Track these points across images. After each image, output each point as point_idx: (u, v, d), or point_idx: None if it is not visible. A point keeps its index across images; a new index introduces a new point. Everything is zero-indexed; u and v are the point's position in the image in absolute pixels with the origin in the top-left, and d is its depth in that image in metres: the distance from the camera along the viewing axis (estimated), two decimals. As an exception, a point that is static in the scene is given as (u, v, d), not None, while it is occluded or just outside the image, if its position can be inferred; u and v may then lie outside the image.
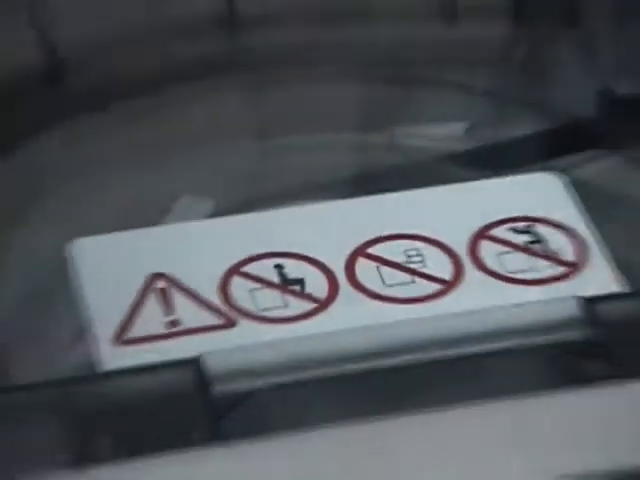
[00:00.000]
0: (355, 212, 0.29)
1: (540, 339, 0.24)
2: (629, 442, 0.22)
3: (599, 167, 0.36)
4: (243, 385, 0.22)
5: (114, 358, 0.24)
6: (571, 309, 0.25)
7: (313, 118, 0.38)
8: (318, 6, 0.40)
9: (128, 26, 0.39)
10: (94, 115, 0.36)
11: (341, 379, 0.23)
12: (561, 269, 0.27)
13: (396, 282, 0.26)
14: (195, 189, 0.34)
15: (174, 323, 0.25)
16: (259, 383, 0.23)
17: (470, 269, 0.27)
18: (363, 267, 0.27)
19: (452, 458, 0.22)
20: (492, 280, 0.27)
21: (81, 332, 0.26)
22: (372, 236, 0.28)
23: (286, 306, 0.26)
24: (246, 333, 0.25)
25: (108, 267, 0.27)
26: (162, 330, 0.25)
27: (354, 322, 0.25)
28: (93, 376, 0.23)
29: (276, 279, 0.26)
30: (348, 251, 0.27)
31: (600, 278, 0.27)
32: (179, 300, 0.26)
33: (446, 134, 0.38)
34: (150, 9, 0.39)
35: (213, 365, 0.22)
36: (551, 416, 0.23)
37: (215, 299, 0.26)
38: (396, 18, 0.40)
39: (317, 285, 0.26)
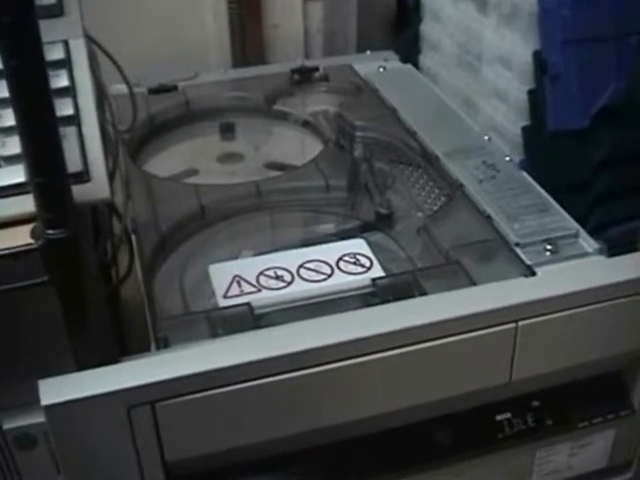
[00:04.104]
0: (302, 252, 0.79)
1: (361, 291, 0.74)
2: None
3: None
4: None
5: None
6: (367, 281, 0.74)
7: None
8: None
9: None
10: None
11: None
12: (363, 269, 0.77)
13: (311, 277, 0.76)
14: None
15: (241, 292, 0.75)
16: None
17: (335, 270, 0.77)
18: (302, 271, 0.77)
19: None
20: (340, 272, 0.77)
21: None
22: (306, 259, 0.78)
23: (276, 284, 0.75)
24: (267, 294, 0.74)
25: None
26: (237, 293, 0.74)
27: (300, 293, 0.73)
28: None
29: (273, 275, 0.76)
30: (297, 265, 0.77)
31: (379, 273, 0.77)
32: (243, 285, 0.75)
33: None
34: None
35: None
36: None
37: (255, 283, 0.75)
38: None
39: (285, 277, 0.76)
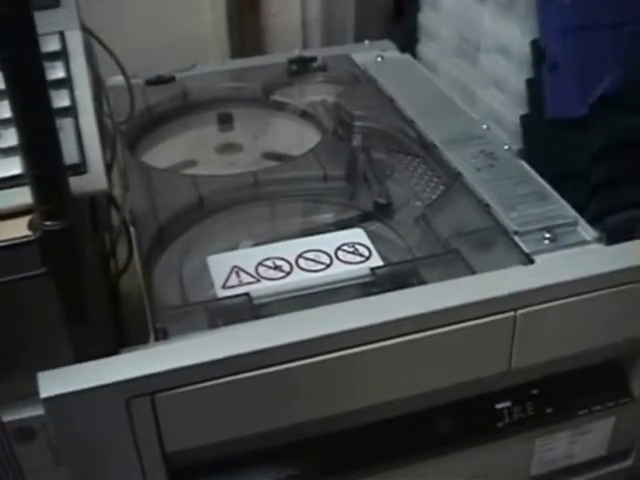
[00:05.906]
0: (300, 242, 0.79)
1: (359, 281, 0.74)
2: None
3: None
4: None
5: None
6: (366, 271, 0.74)
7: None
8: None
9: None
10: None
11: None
12: (362, 259, 0.78)
13: (310, 267, 0.76)
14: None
15: (240, 283, 0.74)
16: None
17: (334, 259, 0.77)
18: (301, 261, 0.77)
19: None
20: (338, 262, 0.77)
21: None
22: (305, 249, 0.78)
23: (275, 274, 0.75)
24: (266, 284, 0.73)
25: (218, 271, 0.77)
26: (236, 283, 0.74)
27: (299, 283, 0.73)
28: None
29: (272, 265, 0.76)
30: (295, 255, 0.77)
31: (377, 262, 0.77)
32: (242, 275, 0.75)
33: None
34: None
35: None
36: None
37: (254, 273, 0.75)
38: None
39: (284, 267, 0.76)
